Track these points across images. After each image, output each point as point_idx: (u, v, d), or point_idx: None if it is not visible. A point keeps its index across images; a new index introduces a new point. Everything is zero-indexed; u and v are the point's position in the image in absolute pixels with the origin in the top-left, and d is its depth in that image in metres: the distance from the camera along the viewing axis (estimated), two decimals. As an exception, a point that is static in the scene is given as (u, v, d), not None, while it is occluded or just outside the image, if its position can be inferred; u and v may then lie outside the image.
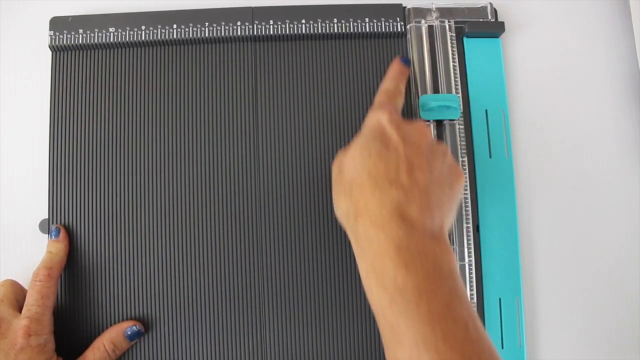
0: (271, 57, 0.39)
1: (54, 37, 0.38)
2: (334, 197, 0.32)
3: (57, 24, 0.38)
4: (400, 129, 0.31)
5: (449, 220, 0.31)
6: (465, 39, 0.39)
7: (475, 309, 0.36)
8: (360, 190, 0.30)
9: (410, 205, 0.29)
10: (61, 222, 0.36)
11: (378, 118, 0.32)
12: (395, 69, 0.38)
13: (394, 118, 0.32)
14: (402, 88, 0.37)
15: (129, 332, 0.34)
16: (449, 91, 0.38)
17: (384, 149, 0.31)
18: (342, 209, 0.31)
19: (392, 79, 0.37)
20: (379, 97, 0.36)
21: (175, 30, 0.38)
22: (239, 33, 0.38)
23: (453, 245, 0.36)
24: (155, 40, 0.38)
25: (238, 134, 0.37)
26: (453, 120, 0.37)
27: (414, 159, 0.30)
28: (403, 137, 0.31)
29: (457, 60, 0.39)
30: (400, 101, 0.36)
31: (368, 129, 0.32)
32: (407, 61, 0.39)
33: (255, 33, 0.38)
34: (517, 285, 0.37)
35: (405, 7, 0.39)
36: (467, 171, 0.37)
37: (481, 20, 0.39)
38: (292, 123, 0.38)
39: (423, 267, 0.27)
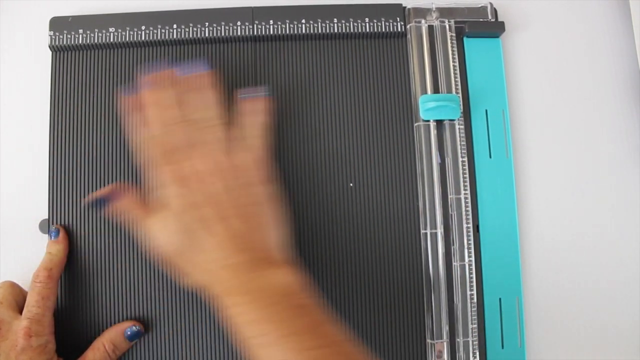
0: (271, 57, 0.39)
1: (54, 37, 0.38)
2: (181, 276, 0.33)
3: (57, 24, 0.38)
4: (194, 192, 0.32)
5: (280, 238, 0.33)
6: (465, 39, 0.39)
7: (476, 308, 0.36)
8: (197, 264, 0.31)
9: (240, 253, 0.31)
10: (61, 222, 0.36)
11: (173, 193, 0.32)
12: (146, 99, 0.34)
13: (183, 184, 0.32)
14: (160, 127, 0.34)
15: (129, 333, 0.34)
16: (449, 91, 0.38)
17: (195, 219, 0.31)
18: (195, 282, 0.32)
19: (148, 124, 0.34)
20: (153, 162, 0.34)
21: (175, 30, 0.38)
22: (239, 33, 0.38)
23: (453, 245, 0.36)
24: (155, 40, 0.38)
25: (238, 134, 0.37)
26: (453, 120, 0.37)
27: (222, 212, 0.31)
28: (201, 199, 0.32)
29: (457, 60, 0.39)
30: (170, 139, 0.33)
31: (172, 205, 0.32)
32: (150, 85, 0.34)
33: (255, 33, 0.38)
34: (517, 285, 0.37)
35: (405, 7, 0.39)
36: (467, 171, 0.37)
37: (481, 20, 0.39)
38: (292, 123, 0.38)
39: (264, 300, 0.29)
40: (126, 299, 0.36)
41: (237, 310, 0.29)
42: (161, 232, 0.32)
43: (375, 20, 0.39)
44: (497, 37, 0.39)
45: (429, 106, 0.37)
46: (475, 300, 0.36)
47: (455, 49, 0.39)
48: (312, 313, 0.29)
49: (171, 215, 0.32)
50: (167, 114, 0.34)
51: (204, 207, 0.32)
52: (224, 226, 0.31)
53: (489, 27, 0.39)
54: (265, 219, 0.32)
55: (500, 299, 0.36)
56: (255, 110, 0.35)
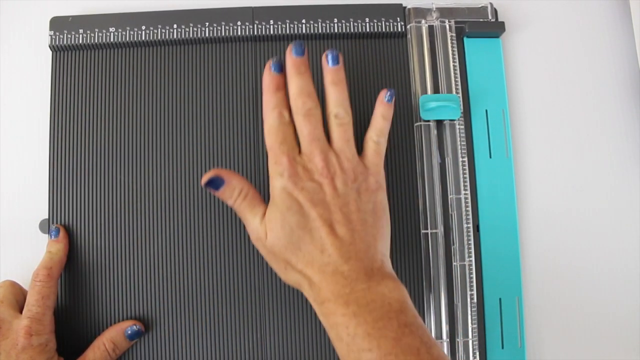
0: (271, 57, 0.38)
1: (54, 37, 0.38)
2: (278, 272, 0.32)
3: (57, 24, 0.38)
4: (306, 190, 0.31)
5: (387, 249, 0.32)
6: (465, 39, 0.39)
7: (476, 308, 0.36)
8: (298, 263, 0.31)
9: (345, 262, 0.30)
10: (61, 222, 0.36)
11: (282, 186, 0.31)
12: (267, 83, 0.33)
13: (296, 180, 0.31)
14: (287, 114, 0.33)
15: (129, 332, 0.34)
16: (449, 91, 0.38)
17: (301, 218, 0.31)
18: (292, 281, 0.32)
19: (268, 111, 0.33)
20: (269, 152, 0.32)
21: (175, 30, 0.38)
22: (239, 33, 0.38)
23: (453, 245, 0.36)
24: (155, 40, 0.38)
25: (238, 134, 0.38)
26: (453, 120, 0.38)
27: (330, 215, 0.31)
28: (311, 198, 0.31)
29: (457, 60, 0.39)
30: (291, 130, 0.33)
31: (278, 199, 0.31)
32: (279, 67, 0.33)
33: (255, 33, 0.38)
34: (517, 285, 0.37)
35: (405, 7, 0.39)
36: (467, 171, 0.37)
37: (481, 20, 0.39)
38: (292, 123, 0.38)
39: (371, 314, 0.28)
40: (126, 298, 0.36)
41: (343, 320, 0.28)
42: (273, 224, 0.31)
43: (375, 20, 0.39)
44: (497, 37, 0.39)
45: (429, 106, 0.37)
46: (475, 300, 0.36)
47: (456, 49, 0.39)
48: (418, 333, 0.28)
49: (287, 209, 0.31)
50: (300, 102, 0.32)
51: (325, 206, 0.31)
52: (345, 230, 0.30)
53: (489, 27, 0.39)
54: (381, 228, 0.32)
55: (500, 299, 0.36)
56: (387, 116, 0.35)
